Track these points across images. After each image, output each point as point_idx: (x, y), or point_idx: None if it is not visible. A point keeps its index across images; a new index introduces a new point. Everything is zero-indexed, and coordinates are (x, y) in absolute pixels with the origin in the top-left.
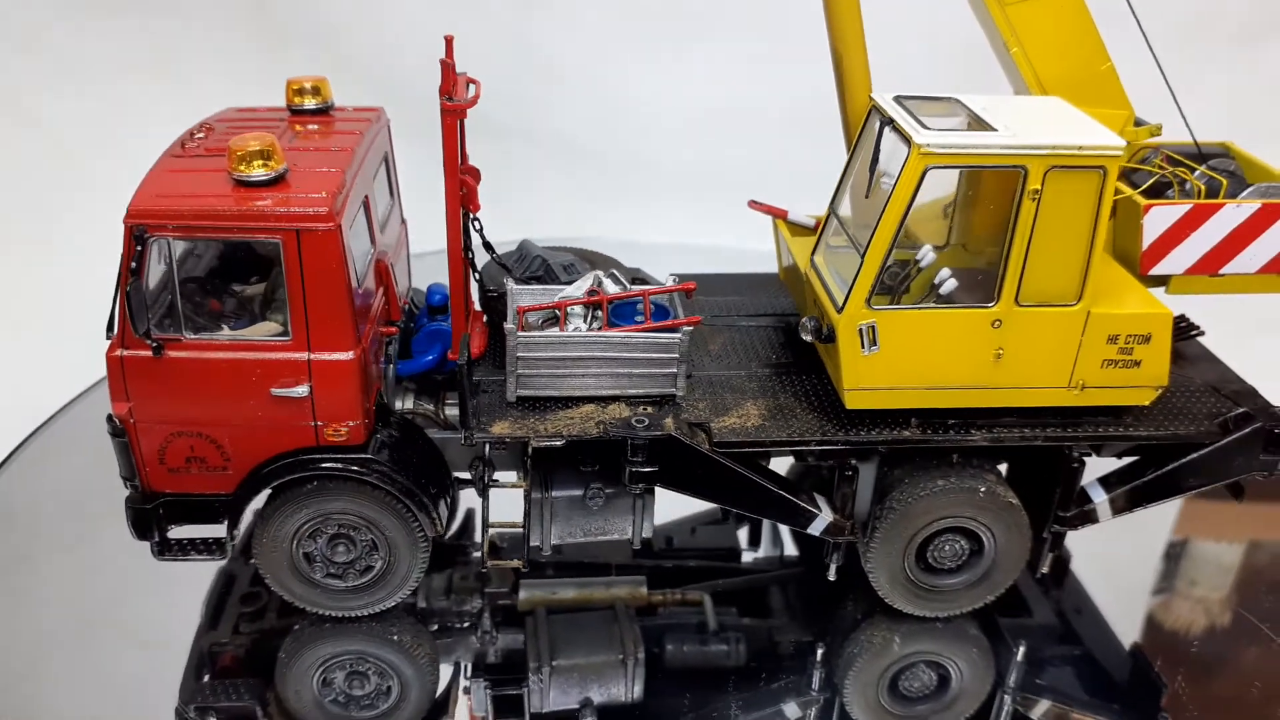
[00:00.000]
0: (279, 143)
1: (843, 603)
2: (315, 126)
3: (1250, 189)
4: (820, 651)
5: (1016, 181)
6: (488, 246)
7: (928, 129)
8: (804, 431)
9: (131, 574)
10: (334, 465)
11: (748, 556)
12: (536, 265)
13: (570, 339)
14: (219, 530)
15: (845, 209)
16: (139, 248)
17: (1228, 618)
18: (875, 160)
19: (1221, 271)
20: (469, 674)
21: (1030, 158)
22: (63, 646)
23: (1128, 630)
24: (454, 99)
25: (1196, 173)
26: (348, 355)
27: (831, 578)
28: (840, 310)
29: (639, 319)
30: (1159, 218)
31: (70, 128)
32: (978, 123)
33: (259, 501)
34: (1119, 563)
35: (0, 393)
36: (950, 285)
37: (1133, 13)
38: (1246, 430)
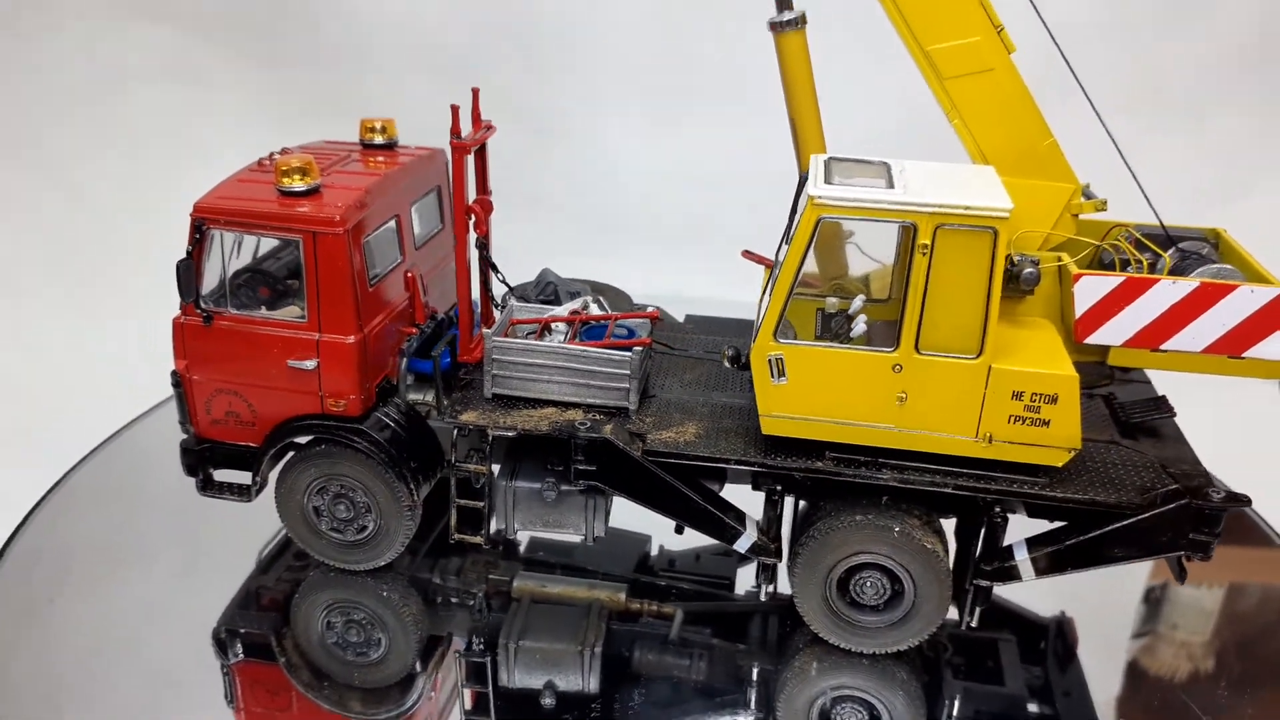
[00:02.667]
0: (321, 164)
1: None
2: (381, 158)
3: (1201, 269)
4: (756, 673)
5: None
6: (493, 266)
7: (827, 184)
8: (726, 451)
9: (150, 614)
10: (329, 430)
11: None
12: (549, 290)
13: (537, 347)
14: (247, 478)
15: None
16: (198, 235)
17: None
18: (794, 211)
19: (1163, 348)
20: (452, 642)
21: (918, 214)
22: (83, 684)
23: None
24: (460, 138)
25: (1170, 252)
26: (350, 339)
27: (763, 599)
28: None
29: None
30: (1091, 288)
31: (101, 188)
32: (890, 183)
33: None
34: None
35: (31, 441)
36: (859, 329)
37: (1083, 90)
38: (1169, 506)
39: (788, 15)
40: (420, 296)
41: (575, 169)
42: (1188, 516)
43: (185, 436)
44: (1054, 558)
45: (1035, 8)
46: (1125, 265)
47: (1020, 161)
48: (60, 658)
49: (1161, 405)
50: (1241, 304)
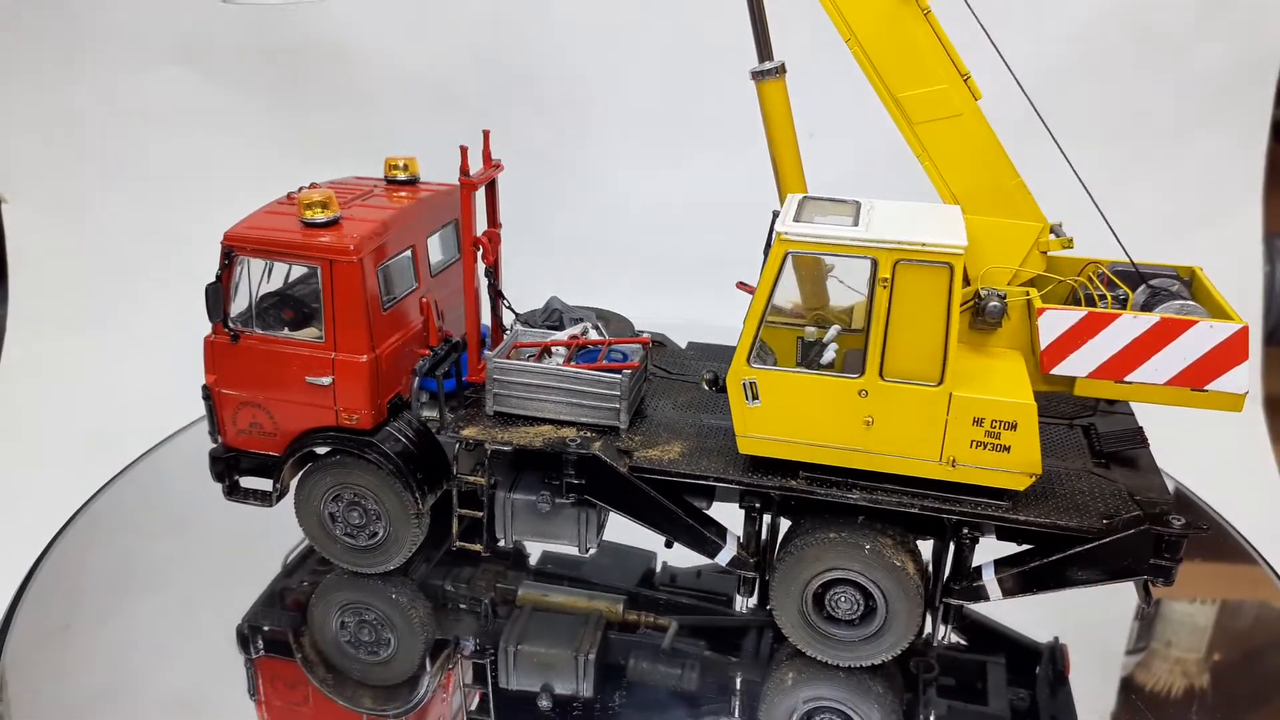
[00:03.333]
0: (344, 197)
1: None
2: (404, 193)
3: (1164, 305)
4: (742, 683)
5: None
6: (500, 294)
7: (795, 221)
8: (707, 469)
9: (166, 644)
10: (343, 442)
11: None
12: (554, 317)
13: (534, 368)
14: (269, 485)
15: None
16: (226, 261)
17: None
18: (768, 246)
19: (1127, 380)
20: (458, 645)
21: (878, 250)
22: (99, 713)
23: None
24: (469, 175)
25: (1140, 289)
26: (363, 358)
27: (742, 611)
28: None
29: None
30: (1054, 321)
31: (122, 225)
32: (856, 221)
33: None
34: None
35: (44, 477)
36: (829, 356)
37: (1049, 131)
38: (1130, 531)
39: (768, 65)
40: (434, 321)
41: (585, 205)
42: (1148, 542)
43: (214, 445)
44: (1020, 579)
45: (999, 53)
46: (1093, 301)
47: (989, 201)
48: (79, 684)
49: (1137, 436)
50: (1201, 339)
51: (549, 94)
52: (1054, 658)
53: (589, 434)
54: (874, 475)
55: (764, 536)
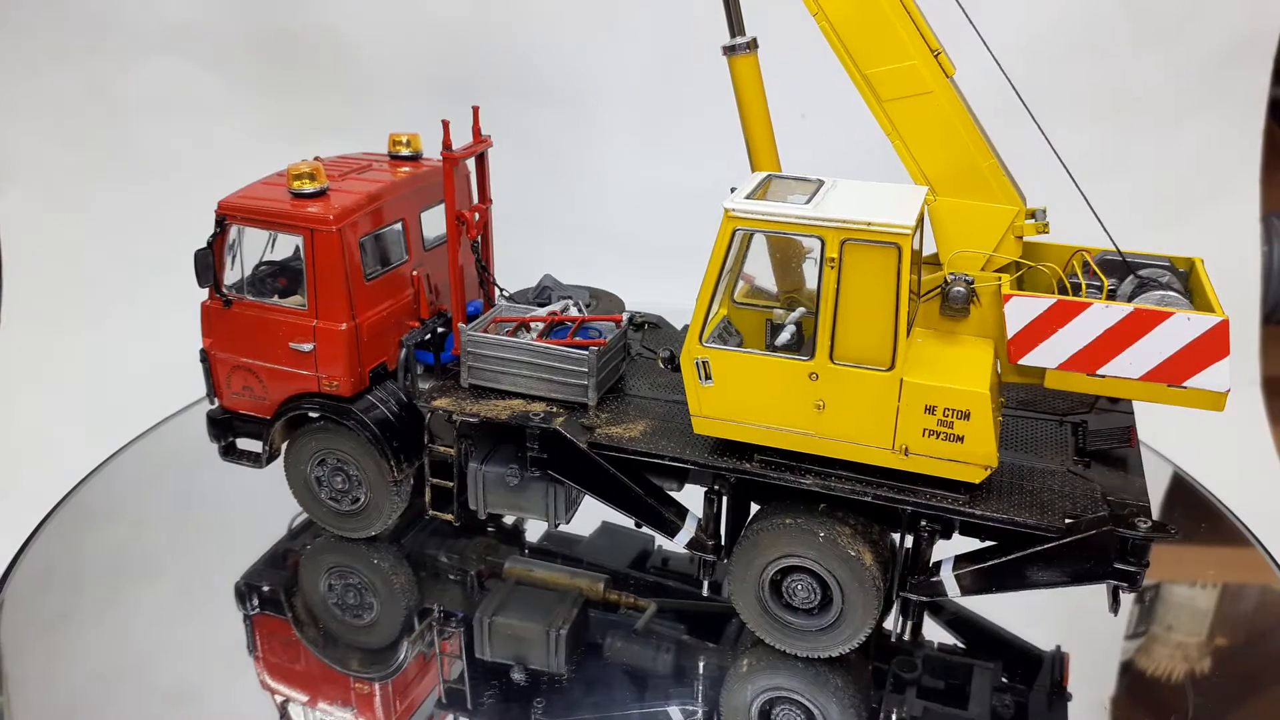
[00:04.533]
0: (340, 170)
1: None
2: (407, 169)
3: (1144, 296)
4: (713, 668)
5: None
6: (483, 268)
7: (747, 199)
8: (664, 449)
9: (163, 633)
10: (321, 407)
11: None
12: (545, 294)
13: (506, 342)
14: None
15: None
16: (218, 229)
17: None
18: None
19: (1100, 373)
20: (436, 613)
21: (825, 229)
22: (97, 705)
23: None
24: (451, 150)
25: (1127, 279)
26: (342, 326)
27: (705, 594)
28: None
29: (579, 339)
30: (1021, 309)
31: (116, 214)
32: (811, 199)
33: None
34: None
35: (39, 456)
36: (784, 338)
37: (1029, 113)
38: (1090, 532)
39: (739, 40)
40: (425, 294)
41: (581, 191)
42: (1112, 545)
43: (212, 408)
44: (978, 576)
45: (976, 30)
46: (1078, 291)
47: (961, 182)
48: (78, 673)
49: (1124, 435)
50: (1178, 332)
51: (544, 80)
52: (1054, 666)
53: (557, 409)
54: (830, 461)
55: (723, 519)
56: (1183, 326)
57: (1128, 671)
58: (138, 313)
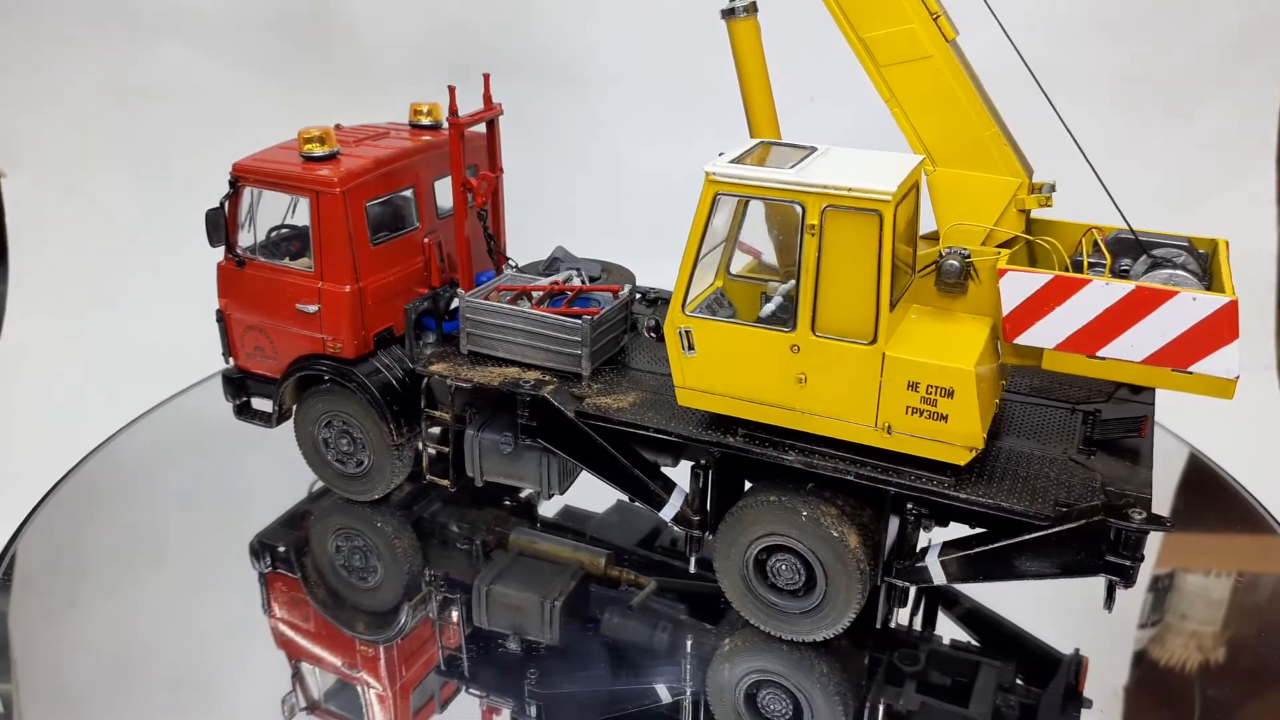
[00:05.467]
0: (356, 137)
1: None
2: (427, 137)
3: (1151, 274)
4: (704, 649)
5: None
6: (489, 236)
7: (733, 162)
8: (650, 420)
9: (171, 618)
10: (324, 368)
11: None
12: (554, 266)
13: (503, 309)
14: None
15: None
16: (231, 190)
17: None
18: None
19: (1100, 354)
20: (441, 580)
21: (806, 195)
22: (105, 690)
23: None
24: (456, 116)
25: (1140, 258)
26: (345, 288)
27: (692, 570)
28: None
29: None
30: (1017, 284)
31: (121, 200)
32: (797, 165)
33: None
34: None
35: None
36: (770, 308)
37: (1040, 88)
38: (1079, 522)
39: (739, 3)
40: (436, 261)
41: (591, 174)
42: (1103, 536)
43: (228, 366)
44: (964, 564)
45: (988, 5)
46: (1082, 269)
47: (962, 152)
48: (85, 661)
49: (1136, 426)
50: (1183, 313)
51: (551, 63)
52: (1070, 670)
53: (551, 378)
54: (815, 439)
55: (709, 495)
56: (1188, 307)
57: (1140, 661)
58: (145, 297)
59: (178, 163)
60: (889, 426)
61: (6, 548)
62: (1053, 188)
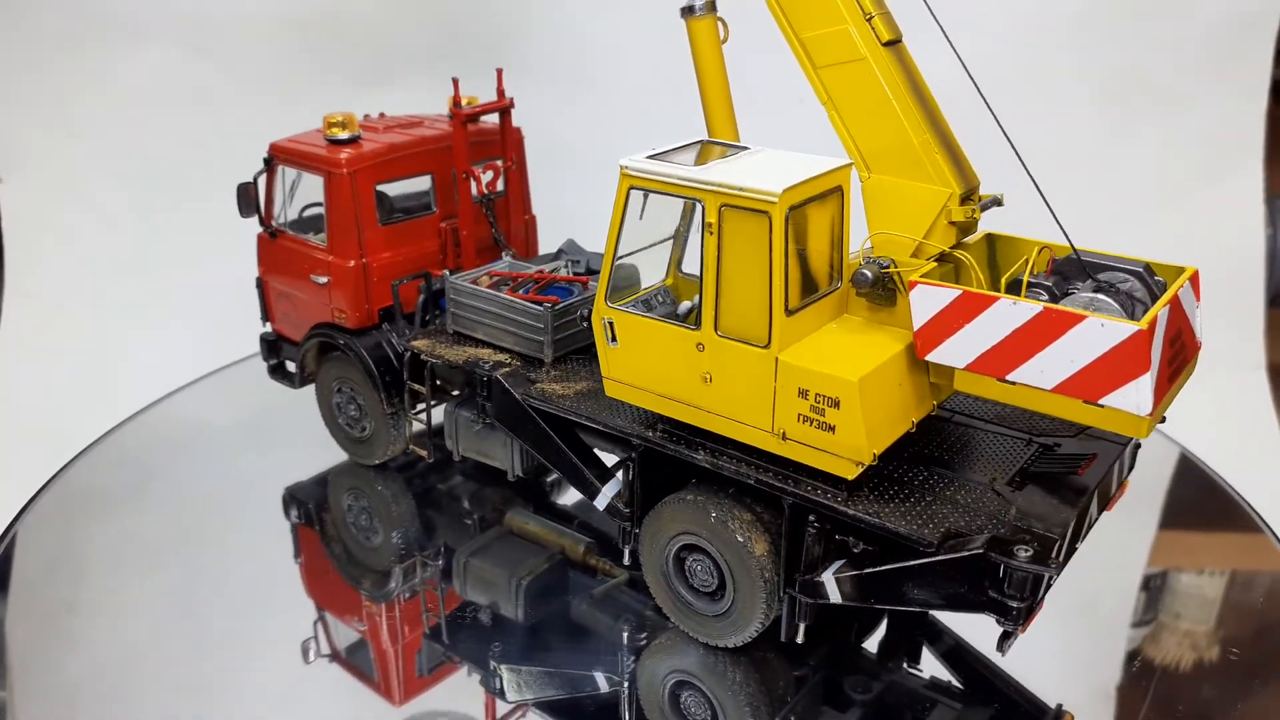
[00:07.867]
0: (385, 124)
1: None
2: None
3: (1072, 298)
4: (627, 638)
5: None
6: (493, 224)
7: (650, 158)
8: (584, 409)
9: (169, 620)
10: (327, 335)
11: None
12: (559, 257)
13: (479, 293)
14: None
15: None
16: (265, 168)
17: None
18: None
19: (1010, 378)
20: (436, 552)
21: (704, 193)
22: (101, 693)
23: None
24: (460, 107)
25: (1084, 282)
26: (350, 263)
27: (625, 561)
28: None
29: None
30: (926, 298)
31: (118, 204)
32: (711, 162)
33: None
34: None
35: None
36: (685, 306)
37: (985, 100)
38: (959, 554)
39: (697, 1)
40: (451, 245)
41: (596, 171)
42: (985, 570)
43: (265, 330)
44: (856, 584)
45: (930, 9)
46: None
47: (894, 159)
48: (82, 665)
49: (1076, 463)
50: (1092, 339)
51: (554, 62)
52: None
53: (514, 361)
54: (725, 440)
55: (635, 488)
56: (1095, 334)
57: (1133, 661)
58: (142, 301)
59: (174, 166)
60: (784, 433)
61: (5, 549)
62: (998, 201)
